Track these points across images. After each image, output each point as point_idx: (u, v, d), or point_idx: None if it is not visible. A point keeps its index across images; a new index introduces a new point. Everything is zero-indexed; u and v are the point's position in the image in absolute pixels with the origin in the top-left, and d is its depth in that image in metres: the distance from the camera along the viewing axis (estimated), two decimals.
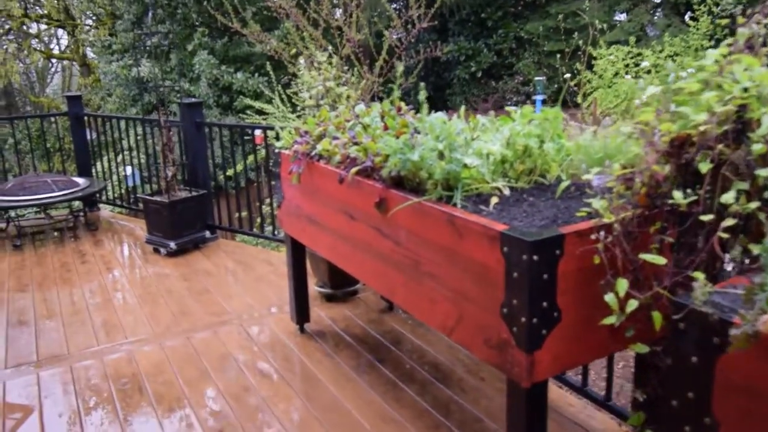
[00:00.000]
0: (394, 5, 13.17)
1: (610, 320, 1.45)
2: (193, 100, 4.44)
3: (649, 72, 10.47)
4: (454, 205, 1.76)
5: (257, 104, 9.12)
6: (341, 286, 3.42)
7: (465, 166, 1.80)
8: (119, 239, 4.88)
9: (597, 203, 1.45)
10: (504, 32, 13.32)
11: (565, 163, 1.93)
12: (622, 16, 12.87)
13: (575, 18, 12.11)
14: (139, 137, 5.51)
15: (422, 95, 2.11)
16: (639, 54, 10.39)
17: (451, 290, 1.76)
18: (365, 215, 2.16)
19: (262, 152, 7.31)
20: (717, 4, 10.33)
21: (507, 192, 1.81)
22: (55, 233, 4.99)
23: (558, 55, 12.00)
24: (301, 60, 3.46)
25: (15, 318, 3.34)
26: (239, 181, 7.45)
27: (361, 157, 2.16)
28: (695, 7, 9.68)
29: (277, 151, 2.80)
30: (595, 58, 10.75)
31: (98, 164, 5.69)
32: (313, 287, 3.40)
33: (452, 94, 14.07)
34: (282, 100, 9.01)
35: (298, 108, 8.42)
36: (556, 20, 11.78)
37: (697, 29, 9.68)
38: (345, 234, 2.33)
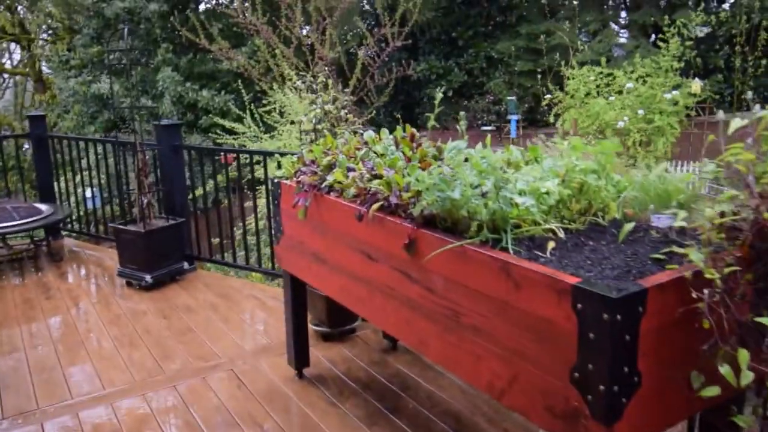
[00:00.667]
0: (365, 23, 13.05)
1: (713, 391, 1.26)
2: (171, 121, 4.15)
3: (620, 93, 10.56)
4: (504, 249, 1.55)
5: (227, 123, 8.80)
6: (339, 324, 3.16)
7: (515, 205, 1.59)
8: (87, 271, 4.51)
9: (695, 255, 1.25)
10: (475, 51, 13.34)
11: (619, 200, 1.74)
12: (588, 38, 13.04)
13: (546, 38, 12.20)
14: (99, 156, 5.16)
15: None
16: (610, 74, 10.46)
17: (502, 347, 1.54)
18: (388, 256, 1.93)
19: (235, 172, 7.00)
20: (685, 26, 10.49)
21: (562, 234, 1.61)
22: (15, 264, 4.59)
23: (530, 75, 12.05)
24: (299, 82, 3.21)
25: None
26: (207, 202, 7.14)
27: (383, 192, 1.93)
28: (665, 29, 9.80)
29: (276, 180, 2.54)
30: (567, 78, 10.79)
31: (55, 185, 5.30)
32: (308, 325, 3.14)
33: (422, 113, 14.01)
34: (254, 118, 8.72)
35: (277, 127, 8.12)
36: (526, 41, 11.83)
37: (668, 50, 9.77)
38: (361, 275, 2.09)
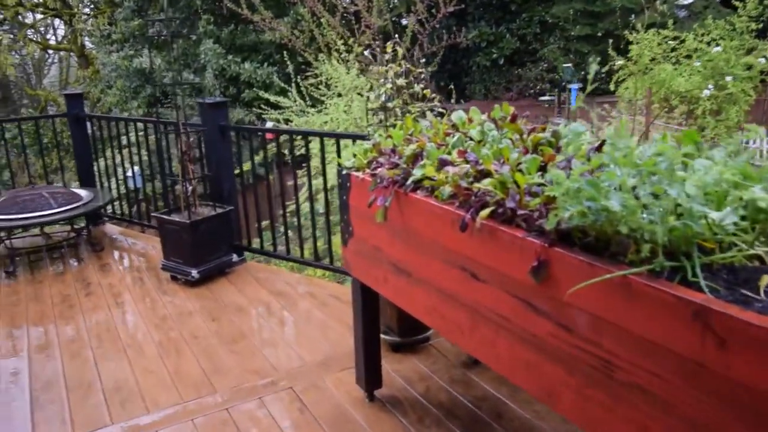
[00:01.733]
0: None
1: None
2: (217, 99, 3.74)
3: (689, 57, 9.76)
4: (689, 283, 1.09)
5: (271, 97, 8.41)
6: (412, 332, 2.75)
7: (709, 222, 1.12)
8: (129, 263, 4.20)
9: None
10: (528, 16, 12.58)
11: None
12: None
13: (604, 0, 11.34)
14: (140, 133, 4.81)
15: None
16: (676, 38, 9.66)
17: (690, 423, 1.09)
18: (501, 277, 1.48)
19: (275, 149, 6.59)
20: None
21: None
22: (54, 254, 4.31)
23: (588, 40, 11.20)
24: (366, 52, 2.76)
25: (3, 382, 2.67)
26: (253, 180, 6.78)
27: (494, 194, 1.48)
28: None
29: (345, 172, 2.11)
30: (630, 43, 10.02)
31: (95, 166, 4.98)
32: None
33: (470, 83, 13.35)
34: (299, 92, 8.29)
35: (324, 101, 7.68)
36: (583, 3, 11.00)
37: (744, 8, 8.90)
38: (460, 297, 1.66)
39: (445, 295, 1.72)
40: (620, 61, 10.01)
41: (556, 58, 11.94)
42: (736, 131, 10.13)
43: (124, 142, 4.80)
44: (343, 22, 9.80)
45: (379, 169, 1.87)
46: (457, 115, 1.98)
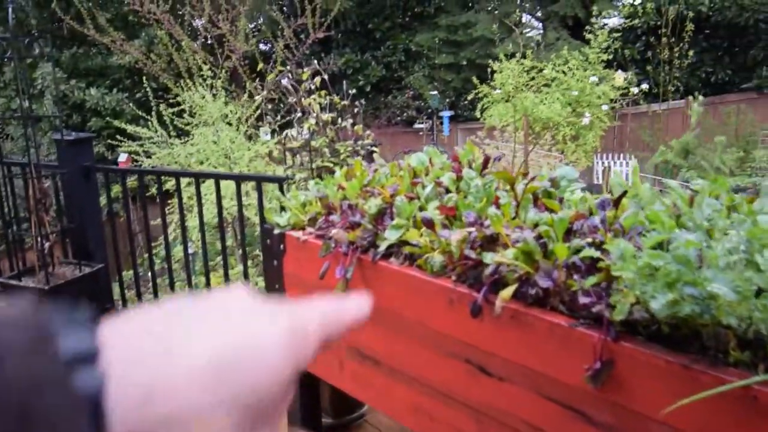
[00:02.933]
0: (281, 12, 12.00)
1: None
2: (80, 135, 3.08)
3: (547, 85, 10.26)
4: None
5: (128, 127, 7.55)
6: (346, 412, 2.33)
7: None
8: None
9: None
10: (392, 44, 12.64)
11: None
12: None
13: (466, 30, 11.71)
14: None
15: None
16: (534, 67, 10.12)
17: None
18: (531, 376, 1.14)
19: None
20: (603, 17, 10.32)
21: None
22: None
23: (451, 68, 11.51)
24: (285, 81, 2.34)
25: None
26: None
27: (517, 267, 1.13)
28: (592, 21, 9.57)
29: (276, 231, 1.67)
30: (493, 72, 10.35)
31: None
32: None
33: None
34: (161, 120, 7.52)
35: (187, 132, 7.01)
36: (446, 32, 11.28)
37: (596, 41, 9.51)
38: (459, 395, 1.29)
39: (437, 391, 1.34)
40: (485, 89, 10.31)
41: (421, 85, 12.10)
42: (592, 155, 10.81)
43: None
44: (205, 46, 9.18)
45: (334, 230, 1.46)
46: (417, 159, 1.63)
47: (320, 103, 2.04)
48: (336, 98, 2.14)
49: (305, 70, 2.28)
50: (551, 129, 10.03)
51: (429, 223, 1.32)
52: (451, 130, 11.48)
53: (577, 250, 1.10)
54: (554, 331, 1.08)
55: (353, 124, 2.11)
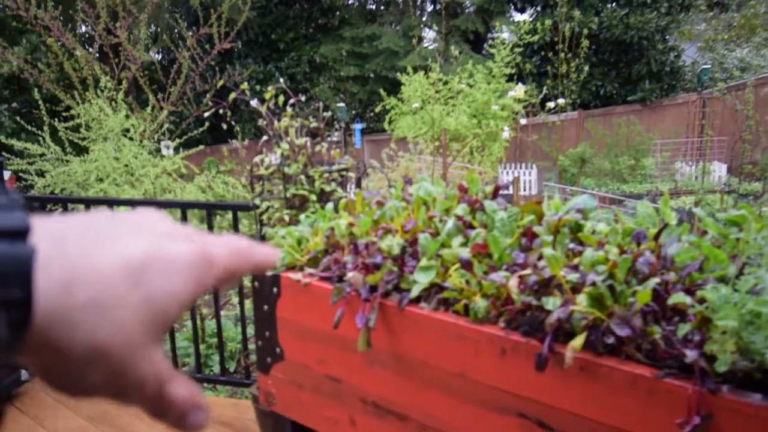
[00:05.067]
0: (183, 21, 11.47)
1: None
2: None
3: (452, 98, 10.48)
4: None
5: (15, 142, 6.89)
6: None
7: None
8: None
9: None
10: (297, 56, 12.41)
11: None
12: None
13: (371, 42, 11.69)
14: None
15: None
16: (440, 80, 10.31)
17: None
18: (604, 431, 1.05)
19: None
20: (504, 32, 10.69)
21: None
22: None
23: (357, 80, 11.44)
24: (254, 103, 2.14)
25: None
26: None
27: (591, 316, 1.04)
28: (495, 35, 9.88)
29: (269, 273, 1.48)
30: (400, 84, 10.43)
31: None
32: None
33: (240, 121, 12.73)
34: (54, 135, 6.94)
35: (86, 148, 6.50)
36: (350, 44, 11.21)
37: (499, 56, 9.82)
38: None
39: None
40: (393, 101, 10.36)
41: (327, 97, 11.96)
42: (497, 165, 11.14)
43: None
44: (101, 55, 8.56)
45: (351, 273, 1.31)
46: (424, 189, 1.51)
47: (294, 127, 1.87)
48: (305, 120, 1.97)
49: (269, 88, 2.09)
50: (459, 140, 10.24)
51: (467, 265, 1.20)
52: (369, 142, 11.45)
53: (654, 294, 1.02)
54: (636, 383, 1.00)
55: (331, 148, 1.95)
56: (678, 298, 0.97)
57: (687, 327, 0.96)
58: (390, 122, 10.71)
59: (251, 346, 2.99)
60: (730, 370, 0.93)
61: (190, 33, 8.26)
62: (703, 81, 11.09)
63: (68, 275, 0.33)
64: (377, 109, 10.49)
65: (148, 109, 7.48)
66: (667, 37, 13.35)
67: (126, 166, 6.90)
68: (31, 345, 0.32)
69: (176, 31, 9.13)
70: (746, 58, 14.53)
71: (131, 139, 7.05)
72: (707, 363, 0.94)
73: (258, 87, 12.15)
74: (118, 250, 0.35)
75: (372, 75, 11.36)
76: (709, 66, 11.70)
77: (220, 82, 7.43)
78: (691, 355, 0.94)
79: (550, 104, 8.90)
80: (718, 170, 10.55)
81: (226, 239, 0.43)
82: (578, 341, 1.04)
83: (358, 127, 10.15)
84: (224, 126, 4.01)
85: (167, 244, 0.38)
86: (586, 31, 10.16)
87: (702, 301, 0.99)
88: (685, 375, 0.96)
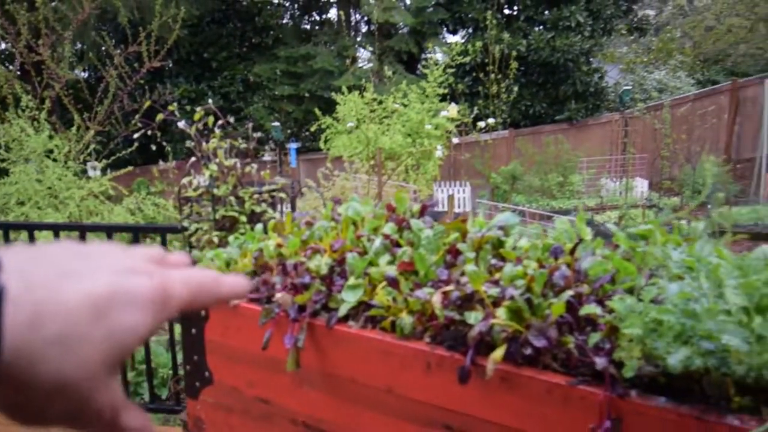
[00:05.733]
0: (110, 39, 11.15)
1: None
2: None
3: (386, 117, 10.60)
4: None
5: None
6: None
7: None
8: None
9: None
10: (230, 74, 12.29)
11: None
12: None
13: (306, 62, 11.73)
14: None
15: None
16: (375, 99, 10.43)
17: None
18: None
19: None
20: (436, 53, 10.94)
21: None
22: None
23: (291, 100, 11.45)
24: (181, 124, 2.12)
25: None
26: None
27: (511, 329, 1.08)
28: (428, 56, 10.11)
29: None
30: (335, 104, 10.49)
31: None
32: None
33: (171, 141, 12.47)
34: None
35: (5, 169, 6.24)
36: (285, 64, 11.21)
37: (433, 76, 10.03)
38: None
39: None
40: (328, 121, 10.39)
41: (262, 117, 11.88)
42: (432, 183, 11.32)
43: None
44: (19, 73, 8.23)
45: (279, 294, 1.31)
46: (353, 209, 1.53)
47: (223, 147, 1.86)
48: (234, 141, 1.97)
49: (198, 109, 2.08)
50: (394, 159, 10.37)
51: (394, 282, 1.23)
52: (306, 161, 11.41)
53: (569, 306, 1.08)
54: (553, 391, 1.04)
55: (259, 169, 1.95)
56: (589, 309, 1.03)
57: (598, 336, 1.02)
58: (326, 141, 10.75)
59: (182, 372, 2.92)
60: (636, 375, 0.99)
61: (118, 51, 8.07)
62: (625, 101, 11.65)
63: (35, 311, 0.33)
64: (313, 129, 10.52)
65: (74, 129, 7.24)
66: (591, 59, 14.00)
67: (49, 188, 6.64)
68: None
69: (103, 48, 8.90)
70: (663, 80, 15.37)
71: (55, 160, 6.79)
72: (616, 369, 0.99)
73: (189, 107, 11.96)
74: (83, 286, 0.36)
75: (307, 94, 11.39)
76: (630, 87, 12.34)
77: (147, 103, 7.26)
78: (600, 362, 1.00)
79: (482, 123, 9.15)
80: (641, 186, 11.07)
81: (188, 273, 0.43)
82: (498, 353, 1.08)
83: (293, 146, 10.14)
84: (153, 147, 3.94)
85: (129, 280, 0.39)
86: (515, 53, 10.55)
87: (612, 311, 1.05)
88: (597, 382, 1.02)
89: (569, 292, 1.11)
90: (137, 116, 8.45)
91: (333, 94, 9.96)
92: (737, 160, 12.23)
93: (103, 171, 7.65)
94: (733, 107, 12.39)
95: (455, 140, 10.66)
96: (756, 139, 11.64)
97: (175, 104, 2.55)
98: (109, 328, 0.36)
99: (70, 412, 0.36)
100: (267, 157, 10.18)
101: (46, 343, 0.33)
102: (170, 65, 12.11)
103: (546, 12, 13.26)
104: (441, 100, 10.40)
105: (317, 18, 13.56)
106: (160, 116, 2.30)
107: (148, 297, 0.39)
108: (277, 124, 10.82)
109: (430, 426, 1.19)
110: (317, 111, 10.34)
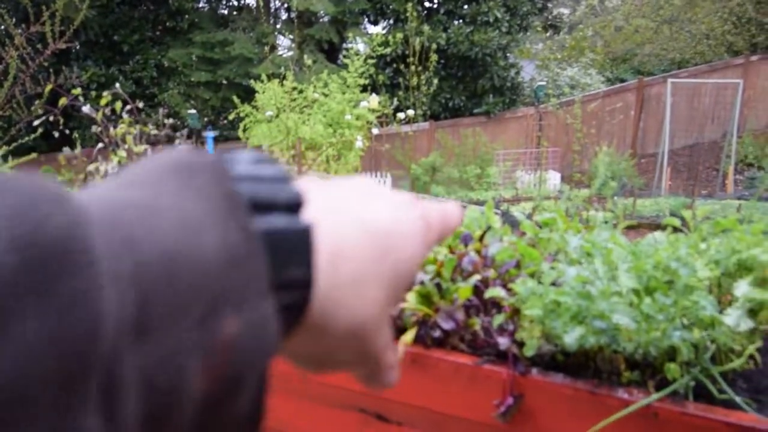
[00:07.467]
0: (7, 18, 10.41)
1: None
2: None
3: (307, 107, 10.53)
4: (712, 402, 0.96)
5: None
6: None
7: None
8: None
9: None
10: (143, 59, 11.80)
11: None
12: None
13: (223, 48, 11.42)
14: None
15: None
16: (295, 88, 10.34)
17: None
18: (436, 418, 1.14)
19: None
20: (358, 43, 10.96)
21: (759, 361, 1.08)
22: None
23: (208, 86, 11.14)
24: (86, 109, 2.02)
25: None
26: None
27: (421, 312, 1.12)
28: (350, 46, 10.10)
29: None
30: (254, 91, 10.31)
31: None
32: None
33: (78, 128, 11.85)
34: None
35: None
36: (201, 49, 10.88)
37: (354, 66, 10.04)
38: None
39: None
40: (247, 109, 10.20)
41: (177, 103, 11.50)
42: (353, 173, 11.34)
43: None
44: None
45: None
46: None
47: (132, 134, 1.81)
48: (145, 127, 1.91)
49: (105, 94, 2.00)
50: (315, 149, 10.32)
51: None
52: (222, 151, 11.08)
53: (475, 290, 1.13)
54: (460, 370, 1.09)
55: None
56: (493, 291, 1.08)
57: (501, 317, 1.07)
58: (244, 130, 10.56)
59: None
60: (537, 354, 1.05)
61: (19, 30, 7.58)
62: (540, 96, 12.09)
63: (333, 250, 0.32)
64: (231, 117, 10.30)
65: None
66: (508, 54, 14.42)
67: None
68: (296, 330, 0.31)
69: (2, 28, 8.35)
70: (576, 77, 16.05)
71: None
72: (518, 349, 1.05)
73: (98, 91, 11.42)
74: (367, 219, 0.35)
75: (225, 81, 11.12)
76: (544, 83, 12.82)
77: (49, 87, 6.88)
78: (503, 342, 1.05)
79: (402, 115, 9.26)
80: (554, 178, 11.55)
81: (435, 205, 0.43)
82: (409, 336, 1.12)
83: (210, 134, 9.89)
84: (56, 134, 3.75)
85: (402, 210, 0.38)
86: (435, 46, 10.72)
87: (515, 294, 1.11)
88: (501, 361, 1.07)
89: (476, 277, 1.16)
90: (40, 101, 7.98)
91: (252, 81, 9.78)
92: (642, 154, 12.98)
93: (4, 158, 7.20)
94: (639, 104, 13.14)
95: (376, 131, 10.71)
96: (659, 135, 12.38)
97: (80, 89, 2.43)
98: (394, 262, 0.35)
99: (358, 355, 0.35)
100: (182, 145, 9.87)
101: (342, 285, 0.32)
102: (77, 47, 11.49)
103: (465, 6, 13.56)
104: (362, 91, 10.43)
105: (235, 3, 13.28)
106: (63, 101, 2.19)
107: (419, 226, 0.38)
108: (193, 111, 10.51)
109: (345, 409, 1.21)
110: (236, 99, 10.13)
